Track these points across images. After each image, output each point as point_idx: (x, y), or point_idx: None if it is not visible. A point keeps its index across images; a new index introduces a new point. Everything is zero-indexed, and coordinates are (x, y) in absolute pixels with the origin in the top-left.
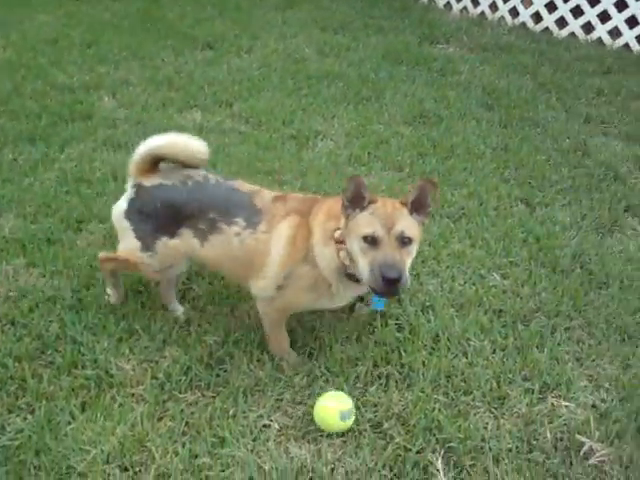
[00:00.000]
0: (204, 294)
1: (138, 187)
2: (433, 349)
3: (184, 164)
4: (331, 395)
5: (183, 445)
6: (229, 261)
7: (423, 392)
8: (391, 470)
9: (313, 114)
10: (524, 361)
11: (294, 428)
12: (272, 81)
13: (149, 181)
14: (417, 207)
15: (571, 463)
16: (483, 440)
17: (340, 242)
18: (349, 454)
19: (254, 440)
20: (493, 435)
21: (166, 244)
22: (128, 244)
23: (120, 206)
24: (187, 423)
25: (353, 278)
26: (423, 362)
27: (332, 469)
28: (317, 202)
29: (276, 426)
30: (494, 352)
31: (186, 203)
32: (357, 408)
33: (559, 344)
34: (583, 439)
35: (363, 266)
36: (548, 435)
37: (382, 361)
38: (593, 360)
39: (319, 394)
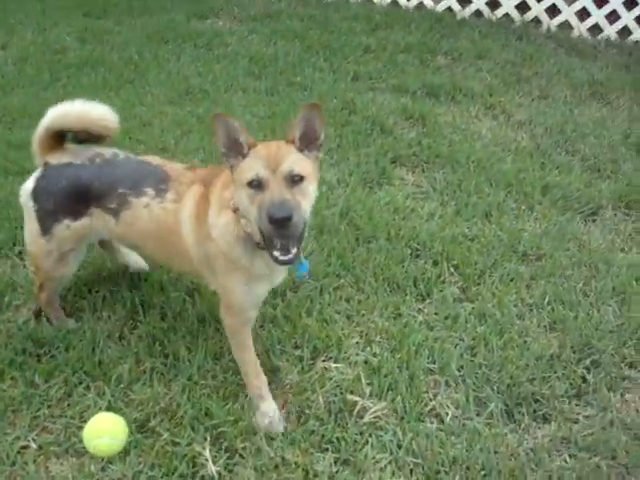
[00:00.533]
0: None
1: (45, 165)
2: (199, 332)
3: (91, 137)
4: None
5: None
6: (145, 240)
7: (190, 380)
8: (160, 469)
9: None
10: (294, 329)
11: (55, 444)
12: (28, 75)
13: (57, 158)
14: (306, 142)
15: (346, 424)
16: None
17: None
18: (115, 461)
19: (12, 465)
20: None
21: (68, 226)
22: (30, 228)
23: (27, 185)
24: None
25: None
26: (188, 348)
27: None
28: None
29: (34, 445)
30: (262, 325)
31: (95, 181)
32: (121, 410)
33: (329, 304)
34: (355, 398)
35: (252, 214)
36: (320, 400)
37: (146, 355)
38: (363, 315)
39: (79, 403)
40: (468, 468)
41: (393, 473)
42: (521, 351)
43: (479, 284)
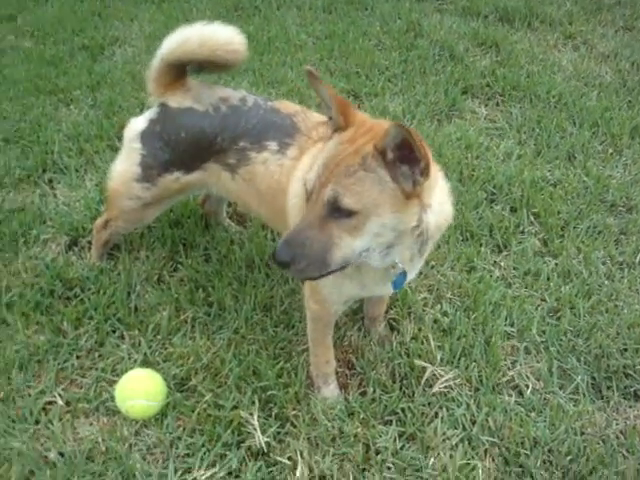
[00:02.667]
0: None
1: (163, 107)
2: (247, 279)
3: (217, 65)
4: (136, 387)
5: None
6: (256, 199)
7: (236, 333)
8: (201, 435)
9: (109, 18)
10: None
11: (84, 400)
12: None
13: (177, 101)
14: (403, 158)
15: (413, 394)
16: (309, 386)
17: None
18: (150, 424)
19: (36, 423)
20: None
21: (178, 179)
22: (125, 168)
23: (137, 124)
24: None
25: None
26: (235, 297)
27: (130, 445)
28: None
29: (60, 402)
30: None
31: (218, 136)
32: (159, 364)
33: None
34: (424, 363)
35: None
36: (384, 365)
37: (187, 303)
38: (432, 267)
39: (111, 355)
40: (551, 451)
41: (465, 453)
42: (611, 317)
43: (562, 236)
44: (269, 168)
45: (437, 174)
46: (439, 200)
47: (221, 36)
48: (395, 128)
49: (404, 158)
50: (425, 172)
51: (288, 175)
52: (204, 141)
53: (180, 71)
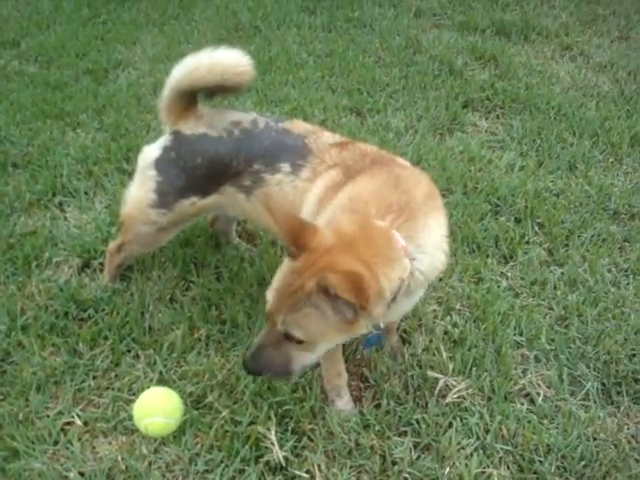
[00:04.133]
0: None
1: (176, 135)
2: (259, 295)
3: (225, 90)
4: (154, 405)
5: None
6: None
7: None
8: (220, 451)
9: (112, 42)
10: None
11: (103, 420)
12: (65, 11)
13: (190, 128)
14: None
15: (426, 405)
16: (324, 400)
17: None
18: (168, 442)
19: (55, 444)
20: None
21: (194, 203)
22: (141, 193)
23: (151, 152)
24: None
25: None
26: (247, 313)
27: (149, 463)
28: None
29: (79, 422)
30: None
31: (233, 159)
32: (175, 382)
33: None
34: (436, 374)
35: None
36: (397, 377)
37: (200, 321)
38: (441, 280)
39: (127, 374)
40: (564, 457)
41: (480, 462)
42: (618, 323)
43: (567, 245)
44: (283, 189)
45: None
46: (429, 251)
47: (229, 60)
48: (324, 280)
49: None
50: (361, 311)
51: (302, 196)
52: (220, 165)
53: (191, 99)
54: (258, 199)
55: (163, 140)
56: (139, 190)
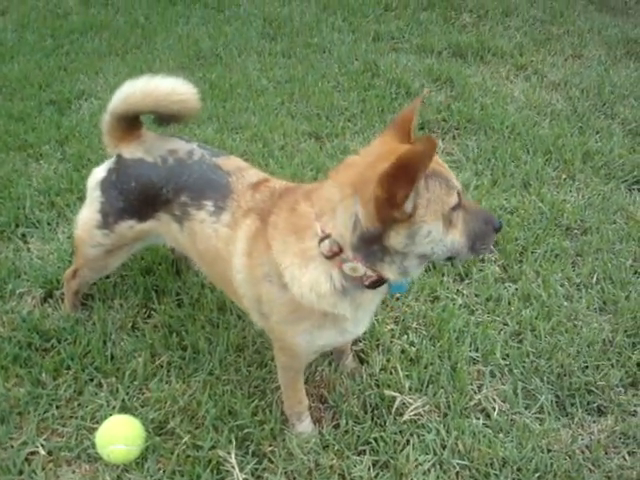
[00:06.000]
0: None
1: (118, 157)
2: (220, 321)
3: (170, 118)
4: (116, 433)
5: None
6: (198, 257)
7: (211, 375)
8: (182, 476)
9: (75, 72)
10: None
11: (66, 449)
12: (29, 42)
13: (130, 152)
14: None
15: (384, 423)
16: (284, 422)
17: (336, 254)
18: (131, 468)
19: (20, 474)
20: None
21: (132, 227)
22: (88, 214)
23: (98, 173)
24: None
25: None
26: (208, 339)
27: None
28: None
29: (43, 451)
30: None
31: (164, 186)
32: (137, 409)
33: None
34: (393, 393)
35: (457, 240)
36: (355, 396)
37: (162, 348)
38: (398, 299)
39: (90, 403)
40: (520, 470)
41: (437, 477)
42: (571, 336)
43: (521, 262)
44: (205, 230)
45: None
46: None
47: (162, 88)
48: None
49: None
50: None
51: (226, 245)
52: (152, 191)
53: (132, 123)
54: (187, 232)
55: (108, 162)
56: (87, 211)
